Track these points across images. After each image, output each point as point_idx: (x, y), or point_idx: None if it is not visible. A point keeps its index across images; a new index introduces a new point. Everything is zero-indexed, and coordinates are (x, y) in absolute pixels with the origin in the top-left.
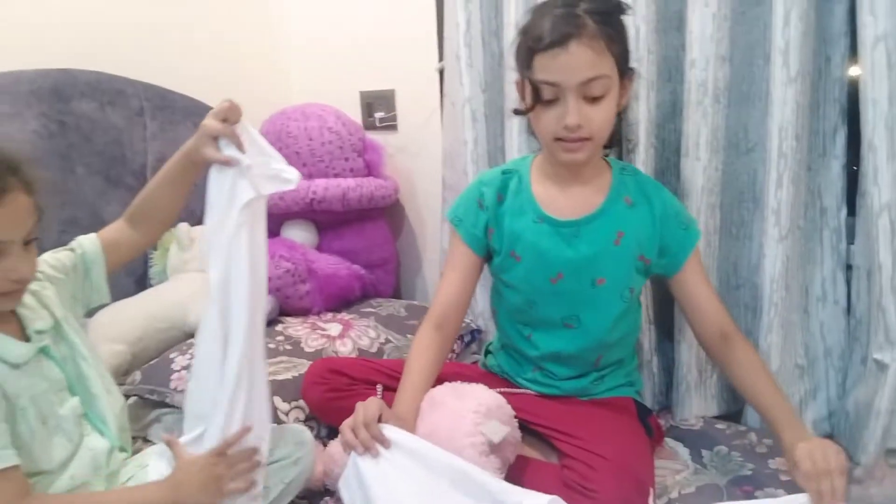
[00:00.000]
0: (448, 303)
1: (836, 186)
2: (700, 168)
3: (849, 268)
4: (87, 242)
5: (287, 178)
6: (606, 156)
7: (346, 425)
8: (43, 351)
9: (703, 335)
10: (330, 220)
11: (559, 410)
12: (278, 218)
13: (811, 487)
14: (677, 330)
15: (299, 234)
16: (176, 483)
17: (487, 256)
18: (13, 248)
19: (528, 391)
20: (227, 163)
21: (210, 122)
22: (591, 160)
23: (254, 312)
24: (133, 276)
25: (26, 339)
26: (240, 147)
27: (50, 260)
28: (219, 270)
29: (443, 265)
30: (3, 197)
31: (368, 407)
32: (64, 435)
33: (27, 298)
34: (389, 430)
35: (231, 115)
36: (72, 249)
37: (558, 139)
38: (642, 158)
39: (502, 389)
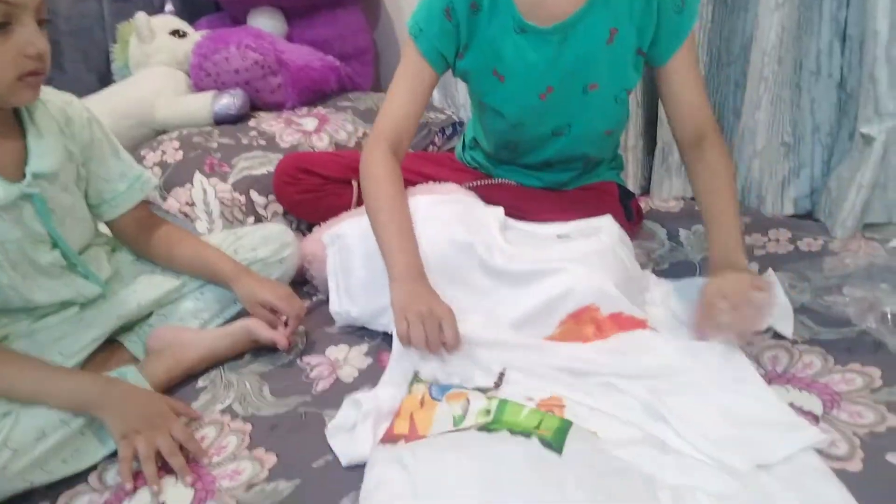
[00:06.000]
0: (401, 123)
1: None
2: None
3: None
4: None
5: None
6: None
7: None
8: (29, 198)
9: (680, 134)
10: (298, 7)
11: (539, 198)
12: (242, 5)
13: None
14: (661, 110)
15: (266, 23)
16: (113, 394)
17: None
18: (27, 18)
19: (508, 182)
20: None
21: None
22: None
23: None
24: (96, 72)
25: (21, 175)
26: None
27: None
28: None
29: None
30: None
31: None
32: (44, 278)
33: (48, 124)
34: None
35: None
36: None
37: None
38: None
39: (479, 182)
